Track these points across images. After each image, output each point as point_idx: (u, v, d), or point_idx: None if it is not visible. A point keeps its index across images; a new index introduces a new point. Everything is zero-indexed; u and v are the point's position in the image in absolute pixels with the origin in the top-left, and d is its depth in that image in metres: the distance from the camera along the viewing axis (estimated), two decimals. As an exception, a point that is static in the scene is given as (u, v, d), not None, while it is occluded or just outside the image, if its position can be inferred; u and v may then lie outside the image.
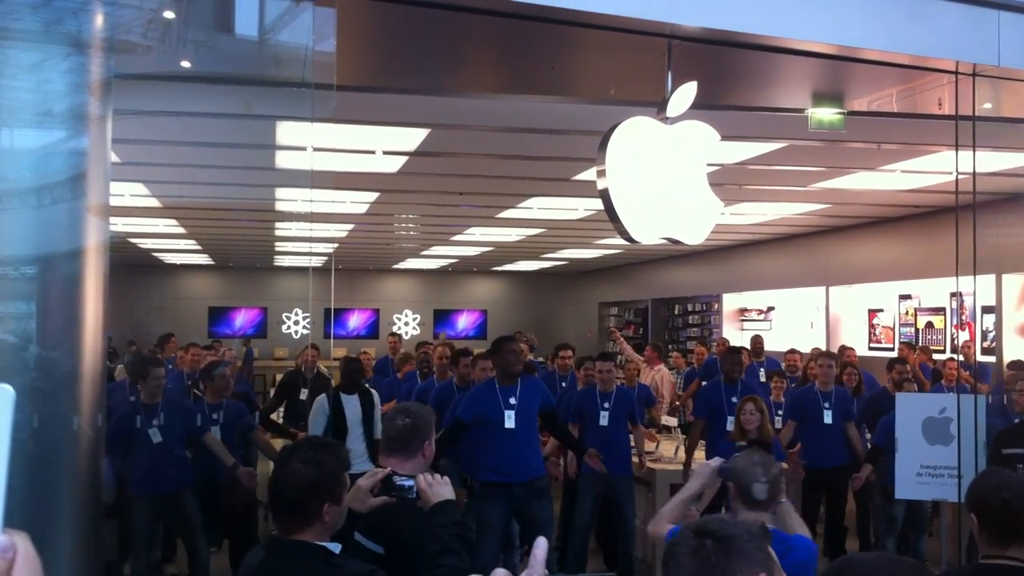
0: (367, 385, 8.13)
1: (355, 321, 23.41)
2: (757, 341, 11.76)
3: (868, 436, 8.11)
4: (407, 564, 2.86)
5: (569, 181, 9.37)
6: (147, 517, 6.47)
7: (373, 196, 10.90)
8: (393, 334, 13.33)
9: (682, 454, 8.13)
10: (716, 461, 3.50)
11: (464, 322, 24.35)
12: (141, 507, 6.42)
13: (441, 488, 2.77)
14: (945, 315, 12.96)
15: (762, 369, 10.91)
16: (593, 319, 24.36)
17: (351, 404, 7.34)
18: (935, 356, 11.36)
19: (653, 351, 11.79)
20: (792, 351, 10.75)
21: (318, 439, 3.02)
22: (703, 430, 7.93)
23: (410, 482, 2.79)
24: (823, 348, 12.74)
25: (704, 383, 9.47)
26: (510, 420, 6.31)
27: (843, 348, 11.40)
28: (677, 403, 11.21)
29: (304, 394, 8.81)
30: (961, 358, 9.95)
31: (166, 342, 11.06)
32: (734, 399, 7.64)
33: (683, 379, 12.04)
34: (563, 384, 8.91)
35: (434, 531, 2.67)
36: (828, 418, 7.83)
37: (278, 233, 15.15)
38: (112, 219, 6.36)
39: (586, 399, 7.46)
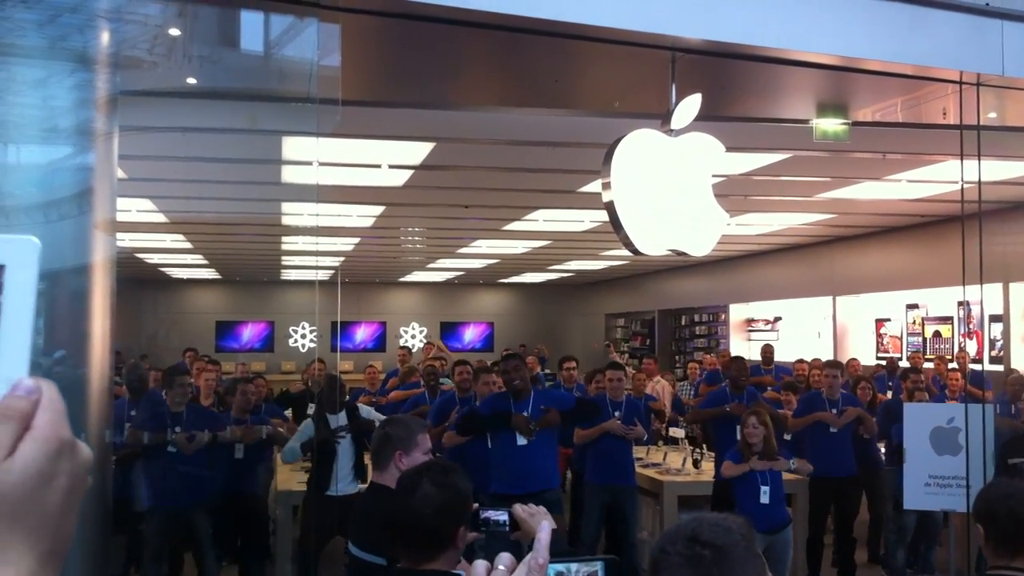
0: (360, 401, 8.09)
1: (362, 334, 23.41)
2: (767, 350, 11.78)
3: (882, 449, 8.10)
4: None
5: (574, 193, 9.37)
6: (159, 531, 6.43)
7: (379, 210, 10.91)
8: (402, 347, 13.31)
9: (690, 466, 8.12)
10: None
11: (471, 334, 24.33)
12: (153, 520, 6.39)
13: (544, 518, 2.55)
14: (952, 324, 12.93)
15: (769, 376, 10.91)
16: (600, 330, 24.32)
17: (337, 424, 7.00)
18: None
19: (654, 363, 11.87)
20: (800, 361, 10.76)
21: (442, 462, 2.84)
22: (705, 428, 7.96)
23: (503, 516, 2.60)
24: (831, 358, 12.71)
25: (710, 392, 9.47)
26: (521, 437, 6.30)
27: (850, 362, 11.42)
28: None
29: (312, 409, 8.74)
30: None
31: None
32: None
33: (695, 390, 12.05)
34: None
35: None
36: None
37: (284, 247, 15.17)
38: (119, 234, 6.38)
39: None
